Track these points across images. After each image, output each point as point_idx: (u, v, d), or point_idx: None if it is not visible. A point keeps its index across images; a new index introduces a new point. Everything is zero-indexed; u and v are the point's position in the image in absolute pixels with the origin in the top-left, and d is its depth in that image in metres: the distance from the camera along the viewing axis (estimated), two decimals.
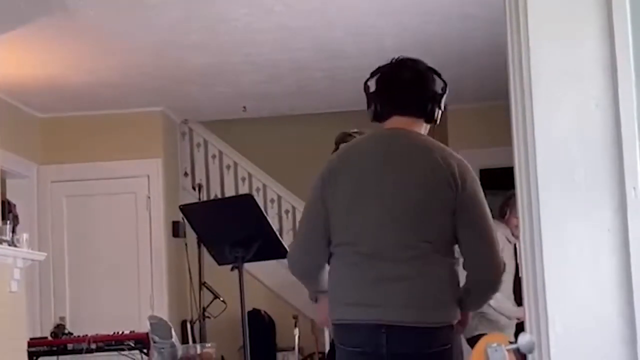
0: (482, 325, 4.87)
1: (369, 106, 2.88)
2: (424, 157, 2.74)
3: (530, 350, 1.17)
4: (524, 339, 1.17)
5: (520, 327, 4.57)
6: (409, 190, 2.69)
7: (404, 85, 2.83)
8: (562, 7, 2.04)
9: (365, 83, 2.89)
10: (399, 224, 2.67)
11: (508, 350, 1.17)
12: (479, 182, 2.77)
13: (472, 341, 4.86)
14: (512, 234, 5.02)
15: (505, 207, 5.14)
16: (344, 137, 3.85)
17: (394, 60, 2.88)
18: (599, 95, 2.00)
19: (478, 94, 7.35)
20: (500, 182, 5.46)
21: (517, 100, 2.08)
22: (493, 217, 5.35)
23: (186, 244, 7.39)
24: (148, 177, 7.61)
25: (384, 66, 2.89)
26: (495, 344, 1.17)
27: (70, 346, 6.01)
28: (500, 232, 5.03)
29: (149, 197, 7.58)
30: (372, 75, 2.88)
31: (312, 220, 2.81)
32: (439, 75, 2.86)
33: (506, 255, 4.99)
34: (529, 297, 2.07)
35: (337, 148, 3.73)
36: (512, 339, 4.98)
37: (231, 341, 6.83)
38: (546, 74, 2.02)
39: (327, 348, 4.26)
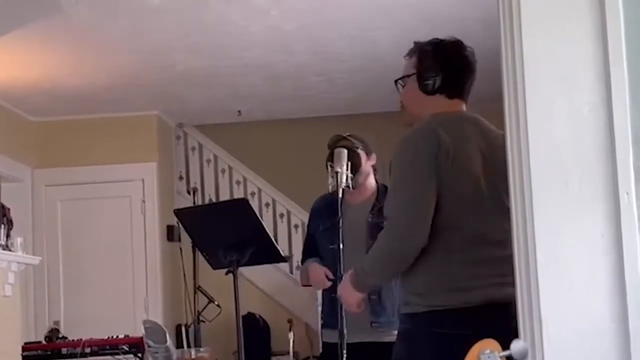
0: None
1: (427, 74, 2.77)
2: (499, 137, 2.67)
3: (524, 357, 1.16)
4: (517, 345, 1.17)
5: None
6: (500, 173, 2.65)
7: (473, 77, 2.85)
8: (555, 12, 2.04)
9: (424, 48, 2.81)
10: (497, 207, 2.63)
11: (501, 357, 1.17)
12: None
13: None
14: None
15: None
16: (338, 140, 3.81)
17: (465, 45, 2.83)
18: (593, 100, 2.00)
19: (475, 96, 7.34)
20: None
21: (510, 105, 2.08)
22: None
23: (181, 248, 7.37)
24: (143, 180, 7.60)
25: (451, 42, 2.83)
26: (488, 351, 1.17)
27: (64, 350, 5.99)
28: None
29: (144, 201, 7.57)
30: (437, 44, 2.82)
31: (424, 196, 2.62)
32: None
33: None
34: (522, 301, 2.06)
35: (331, 152, 3.68)
36: None
37: (226, 345, 6.82)
38: (539, 78, 2.02)
39: (320, 350, 4.23)
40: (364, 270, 2.77)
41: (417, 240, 2.62)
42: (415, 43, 2.88)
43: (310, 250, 4.04)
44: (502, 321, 2.42)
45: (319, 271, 3.77)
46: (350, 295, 2.86)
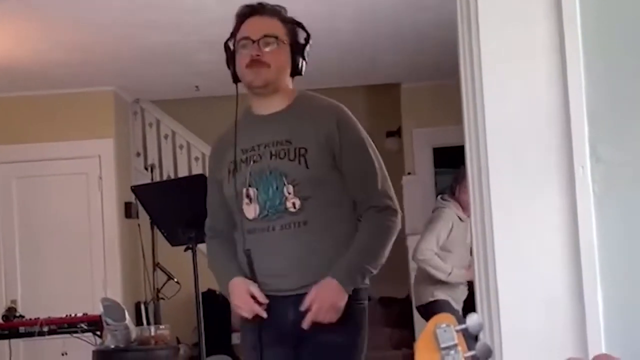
0: (438, 292, 4.93)
1: (302, 57, 2.81)
2: None
3: (479, 331, 1.18)
4: (472, 319, 1.18)
5: (469, 305, 4.61)
6: None
7: None
8: None
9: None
10: None
11: (457, 331, 1.18)
12: None
13: (429, 307, 4.92)
14: (464, 211, 4.88)
15: (454, 184, 5.04)
16: None
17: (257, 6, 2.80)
18: (548, 76, 2.02)
19: (432, 71, 7.37)
20: (454, 160, 5.49)
21: (467, 81, 2.09)
22: (444, 194, 5.34)
23: (139, 225, 7.32)
24: (99, 157, 7.52)
25: (243, 14, 2.84)
26: (444, 325, 1.18)
27: (22, 329, 5.92)
28: (451, 211, 5.03)
29: (101, 178, 7.49)
30: (306, 30, 2.84)
31: None
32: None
33: (458, 233, 4.99)
34: (479, 276, 2.08)
35: None
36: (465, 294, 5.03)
37: (186, 322, 6.81)
38: (495, 54, 2.03)
39: None
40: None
41: None
42: (287, 19, 2.87)
43: None
44: None
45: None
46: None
